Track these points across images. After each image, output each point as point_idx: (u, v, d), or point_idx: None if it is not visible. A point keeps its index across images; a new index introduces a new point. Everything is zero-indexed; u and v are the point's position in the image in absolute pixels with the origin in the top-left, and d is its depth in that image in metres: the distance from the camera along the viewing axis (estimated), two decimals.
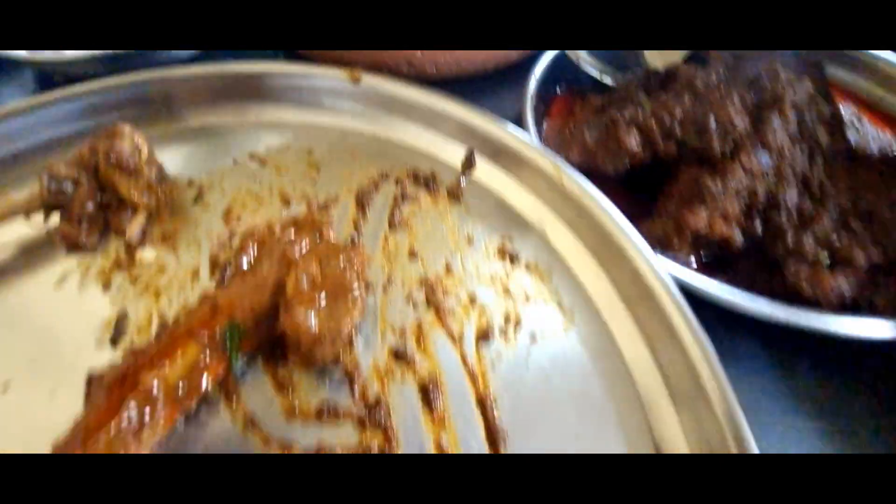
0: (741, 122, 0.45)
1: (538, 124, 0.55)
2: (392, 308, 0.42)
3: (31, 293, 0.43)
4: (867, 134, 0.60)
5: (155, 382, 0.34)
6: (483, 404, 0.36)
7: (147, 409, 0.34)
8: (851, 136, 0.53)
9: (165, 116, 0.57)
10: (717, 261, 0.42)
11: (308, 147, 0.56)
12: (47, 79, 0.67)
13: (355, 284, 0.34)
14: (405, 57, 0.63)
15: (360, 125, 0.57)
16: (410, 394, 0.37)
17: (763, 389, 0.38)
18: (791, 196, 0.39)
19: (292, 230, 0.41)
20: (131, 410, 0.33)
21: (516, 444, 0.34)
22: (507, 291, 0.43)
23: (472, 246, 0.46)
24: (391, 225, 0.48)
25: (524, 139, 0.50)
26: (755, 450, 0.32)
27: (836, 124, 0.50)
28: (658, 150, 0.45)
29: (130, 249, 0.46)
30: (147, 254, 0.46)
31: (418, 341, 0.40)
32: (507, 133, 0.51)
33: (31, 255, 0.46)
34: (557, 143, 0.51)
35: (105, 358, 0.38)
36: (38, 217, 0.46)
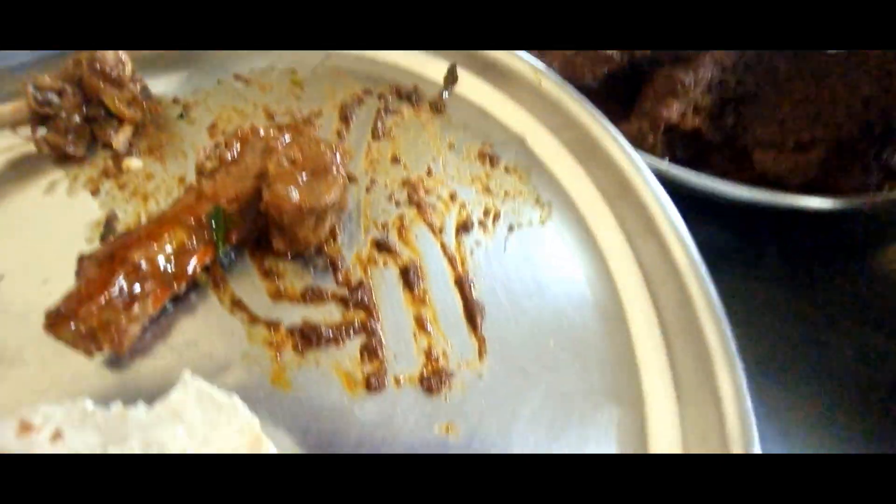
0: None
1: None
2: (375, 207, 0.43)
3: (21, 199, 0.44)
4: None
5: (143, 261, 0.35)
6: (461, 284, 0.38)
7: (136, 285, 0.35)
8: None
9: None
10: (691, 157, 0.43)
11: (292, 67, 0.56)
12: None
13: (335, 166, 0.35)
14: None
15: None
16: (392, 277, 0.38)
17: (733, 271, 0.40)
18: (757, 85, 0.40)
19: (276, 130, 0.42)
20: (122, 282, 0.34)
21: (492, 318, 0.36)
22: (486, 190, 0.44)
23: (453, 151, 0.47)
24: (374, 135, 0.49)
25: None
26: (729, 332, 0.33)
27: None
28: (635, 55, 0.45)
29: (117, 159, 0.47)
30: (134, 163, 0.47)
31: (400, 233, 0.41)
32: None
33: (19, 165, 0.46)
34: (537, 53, 0.51)
35: None
36: (25, 129, 0.47)
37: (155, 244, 0.36)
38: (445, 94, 0.52)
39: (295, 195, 0.34)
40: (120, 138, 0.48)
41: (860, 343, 0.39)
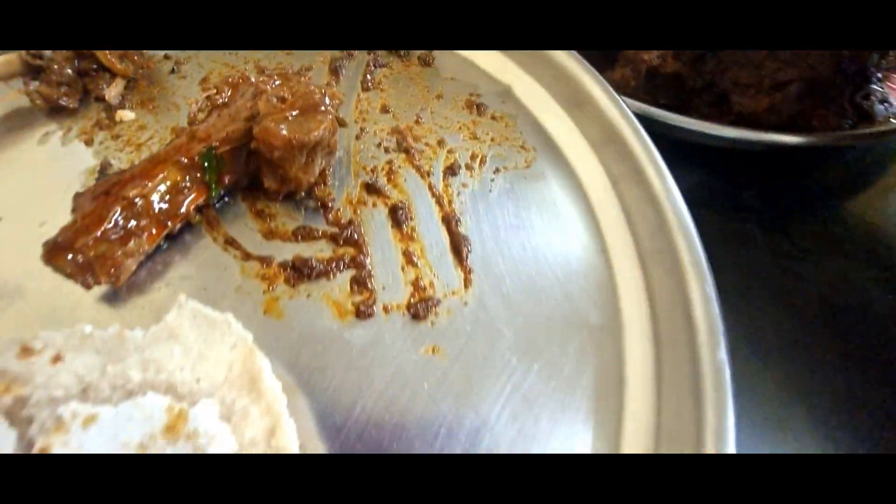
0: None
1: None
2: (364, 153, 0.44)
3: (15, 149, 0.44)
4: None
5: (138, 198, 0.36)
6: (448, 222, 0.39)
7: (132, 221, 0.36)
8: None
9: None
10: (673, 104, 0.44)
11: None
12: None
13: (324, 105, 0.36)
14: None
15: None
16: (381, 216, 0.40)
17: (713, 211, 0.41)
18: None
19: (266, 77, 0.43)
20: (118, 217, 0.35)
21: (477, 252, 0.37)
22: (473, 136, 0.45)
23: (441, 101, 0.47)
24: (364, 87, 0.49)
25: None
26: (702, 253, 0.34)
27: None
28: None
29: (110, 111, 0.48)
30: (127, 115, 0.48)
31: (389, 177, 0.42)
32: None
33: (12, 117, 0.47)
34: None
35: None
36: (17, 83, 0.48)
37: (149, 182, 0.37)
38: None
39: (284, 130, 0.34)
40: (112, 91, 0.49)
41: (830, 272, 0.40)
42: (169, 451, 0.27)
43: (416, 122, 0.46)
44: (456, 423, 0.30)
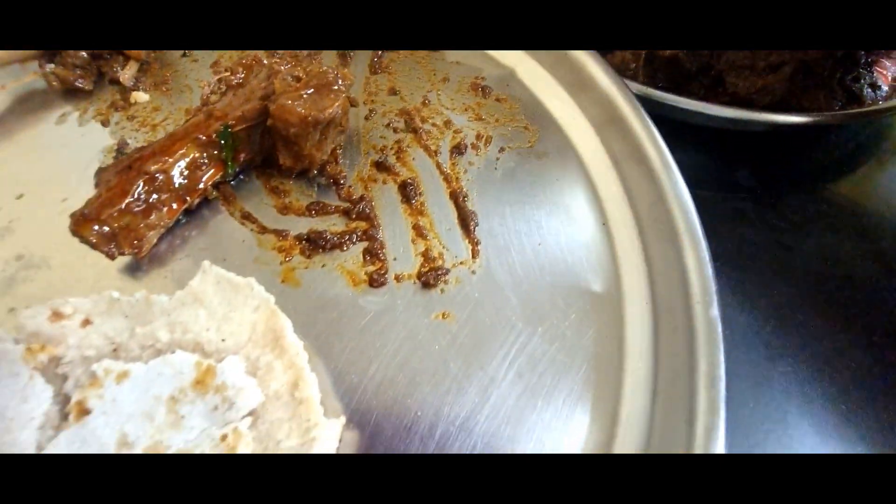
0: None
1: None
2: (374, 133, 0.46)
3: (33, 129, 0.46)
4: None
5: (159, 173, 0.37)
6: (455, 197, 0.40)
7: (154, 195, 0.38)
8: None
9: None
10: (671, 86, 0.46)
11: None
12: None
13: (338, 84, 0.38)
14: None
15: None
16: (391, 192, 0.41)
17: (708, 189, 0.43)
18: None
19: (278, 59, 0.44)
20: (140, 191, 0.37)
21: (484, 225, 0.39)
22: (479, 118, 0.46)
23: (447, 84, 0.49)
24: (372, 70, 0.51)
25: None
26: (696, 220, 0.36)
27: None
28: None
29: (125, 93, 0.49)
30: (141, 97, 0.49)
31: (398, 156, 0.44)
32: None
33: (28, 99, 0.48)
34: None
35: None
36: (33, 65, 0.49)
37: (169, 158, 0.39)
38: None
39: (300, 107, 0.36)
40: (126, 74, 0.50)
41: (819, 245, 0.42)
42: (199, 402, 0.28)
43: (424, 103, 0.48)
44: (465, 380, 0.32)
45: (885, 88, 0.47)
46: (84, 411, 0.28)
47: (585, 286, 0.36)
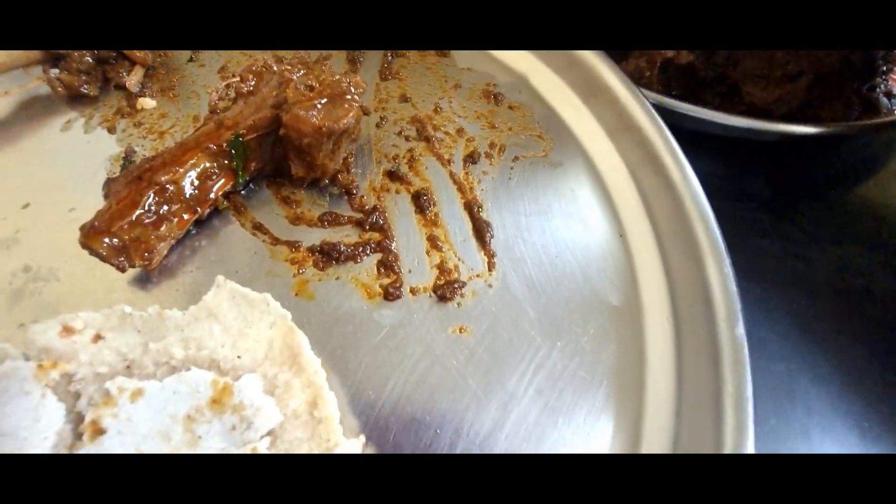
0: None
1: None
2: (385, 141, 0.45)
3: (38, 136, 0.45)
4: None
5: (169, 183, 0.37)
6: (470, 208, 0.40)
7: (164, 206, 0.37)
8: None
9: None
10: (685, 94, 0.45)
11: None
12: None
13: (351, 93, 0.37)
14: None
15: None
16: (404, 202, 0.41)
17: (723, 199, 0.42)
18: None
19: (289, 66, 0.44)
20: (151, 202, 0.36)
21: (500, 236, 0.39)
22: (492, 125, 0.46)
23: (459, 91, 0.48)
24: (382, 77, 0.50)
25: None
26: (718, 233, 0.36)
27: None
28: None
29: (131, 99, 0.48)
30: (148, 103, 0.48)
31: (410, 165, 0.43)
32: None
33: (32, 105, 0.47)
34: None
35: None
36: (37, 70, 0.48)
37: (180, 168, 0.38)
38: None
39: (314, 118, 0.35)
40: (132, 79, 0.49)
41: (837, 257, 0.42)
42: (216, 422, 0.28)
43: (436, 111, 0.47)
44: (485, 397, 0.32)
45: None
46: (99, 431, 0.28)
47: (604, 300, 0.36)
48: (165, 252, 0.38)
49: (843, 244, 0.42)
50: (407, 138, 0.45)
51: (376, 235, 0.39)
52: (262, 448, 0.27)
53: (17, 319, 0.34)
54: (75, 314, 0.33)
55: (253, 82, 0.42)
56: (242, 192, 0.41)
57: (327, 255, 0.38)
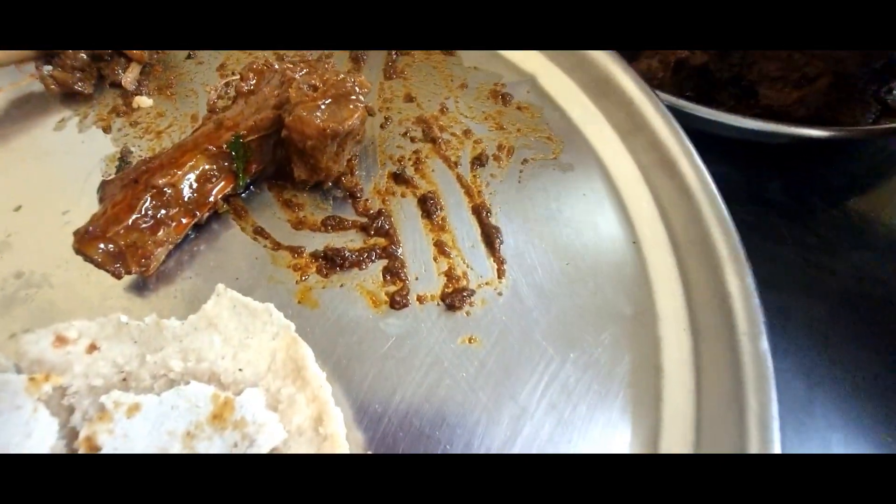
0: None
1: None
2: (390, 142, 0.44)
3: (30, 136, 0.43)
4: None
5: (167, 186, 0.35)
6: (478, 212, 0.39)
7: (162, 210, 0.35)
8: None
9: None
10: (699, 96, 0.44)
11: None
12: None
13: (356, 94, 0.36)
14: None
15: None
16: (410, 206, 0.39)
17: (737, 204, 0.41)
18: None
19: (290, 65, 0.42)
20: (147, 206, 0.35)
21: (509, 242, 0.37)
22: (500, 127, 0.45)
23: (466, 90, 0.47)
24: (387, 75, 0.49)
25: None
26: (738, 240, 0.35)
27: None
28: None
29: (127, 97, 0.47)
30: (144, 102, 0.47)
31: (416, 167, 0.42)
32: None
33: (24, 103, 0.46)
34: None
35: None
36: (29, 67, 0.46)
37: (178, 171, 0.36)
38: None
39: (318, 119, 0.34)
40: (129, 77, 0.48)
41: (853, 264, 0.41)
42: (217, 439, 0.27)
43: (442, 111, 0.46)
44: (496, 411, 0.31)
45: None
46: (94, 448, 0.26)
47: (618, 309, 0.35)
48: (163, 258, 0.36)
49: (859, 251, 0.41)
50: (412, 139, 0.44)
51: (382, 241, 0.38)
52: None
53: (8, 329, 0.33)
54: (69, 323, 0.32)
55: (254, 81, 0.41)
56: (243, 195, 0.40)
57: (331, 262, 0.36)
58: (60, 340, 0.31)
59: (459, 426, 0.30)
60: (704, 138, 0.42)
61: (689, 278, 0.35)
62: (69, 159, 0.42)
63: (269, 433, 0.26)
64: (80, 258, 0.34)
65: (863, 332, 0.38)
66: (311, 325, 0.34)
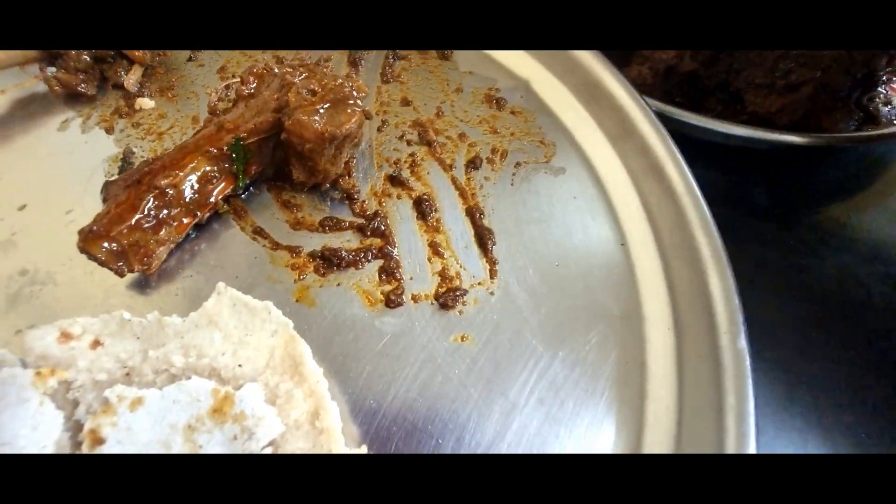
0: None
1: None
2: (387, 145, 0.45)
3: (34, 136, 0.44)
4: None
5: (169, 187, 0.36)
6: (472, 214, 0.40)
7: (164, 210, 0.36)
8: None
9: None
10: (687, 103, 0.45)
11: None
12: None
13: (354, 98, 0.37)
14: None
15: None
16: (405, 208, 0.40)
17: (723, 208, 0.42)
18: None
19: (290, 68, 0.43)
20: (150, 205, 0.36)
21: (502, 243, 0.38)
22: (494, 131, 0.46)
23: (461, 95, 0.48)
24: (384, 79, 0.50)
25: None
26: (720, 242, 0.36)
27: None
28: None
29: (129, 99, 0.48)
30: (146, 103, 0.47)
31: (412, 169, 0.43)
32: None
33: (28, 104, 0.46)
34: None
35: None
36: (33, 68, 0.47)
37: (179, 172, 0.37)
38: None
39: (316, 123, 0.35)
40: (131, 79, 0.49)
41: (835, 267, 0.43)
42: (217, 432, 0.28)
43: (437, 115, 0.47)
44: (486, 407, 0.32)
45: None
46: (98, 440, 0.28)
47: (605, 309, 0.36)
48: (165, 256, 0.37)
49: (840, 254, 0.43)
50: (408, 143, 0.45)
51: (378, 241, 0.39)
52: None
53: (14, 325, 0.34)
54: (73, 320, 0.33)
55: (254, 85, 0.42)
56: (243, 195, 0.41)
57: (328, 261, 0.37)
58: (65, 336, 0.32)
59: (451, 421, 0.31)
60: (692, 144, 0.43)
61: (673, 279, 0.36)
62: (73, 159, 0.43)
63: (268, 426, 0.27)
64: (84, 256, 0.35)
65: (843, 332, 0.39)
66: (308, 323, 0.35)
